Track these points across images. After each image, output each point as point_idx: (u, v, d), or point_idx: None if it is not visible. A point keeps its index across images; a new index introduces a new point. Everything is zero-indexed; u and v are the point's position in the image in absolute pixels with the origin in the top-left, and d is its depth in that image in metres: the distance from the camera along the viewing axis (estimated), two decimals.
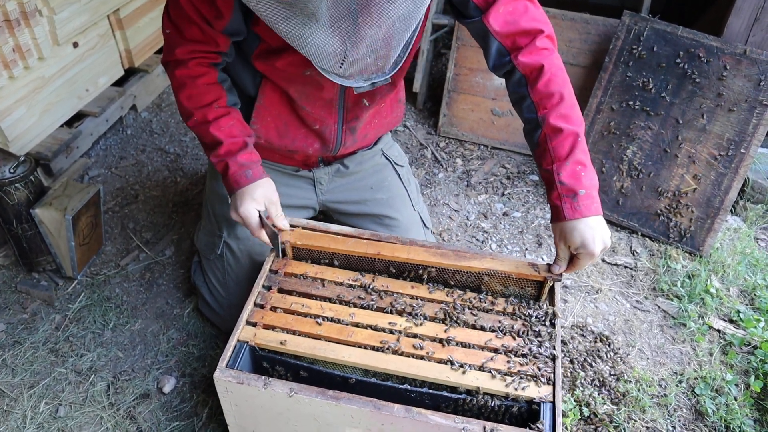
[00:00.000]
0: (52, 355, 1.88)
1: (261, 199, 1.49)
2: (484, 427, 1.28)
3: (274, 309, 1.50)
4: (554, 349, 1.44)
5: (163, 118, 2.91)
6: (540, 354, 1.42)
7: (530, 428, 1.28)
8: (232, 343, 1.41)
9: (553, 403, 1.34)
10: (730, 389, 1.85)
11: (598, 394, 1.81)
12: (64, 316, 2.00)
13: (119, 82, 2.79)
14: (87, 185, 2.11)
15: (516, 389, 1.35)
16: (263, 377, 1.33)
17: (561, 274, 1.50)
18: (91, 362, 1.87)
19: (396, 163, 2.00)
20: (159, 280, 2.14)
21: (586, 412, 1.75)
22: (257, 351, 1.42)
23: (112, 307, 2.04)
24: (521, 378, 1.38)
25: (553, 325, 1.49)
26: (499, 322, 1.49)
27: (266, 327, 1.46)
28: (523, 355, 1.42)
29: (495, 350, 1.43)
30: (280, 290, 1.55)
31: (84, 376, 1.84)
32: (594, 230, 1.37)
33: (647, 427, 1.77)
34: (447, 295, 1.55)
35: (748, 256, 2.33)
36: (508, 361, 1.40)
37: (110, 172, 2.59)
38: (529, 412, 1.35)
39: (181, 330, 1.99)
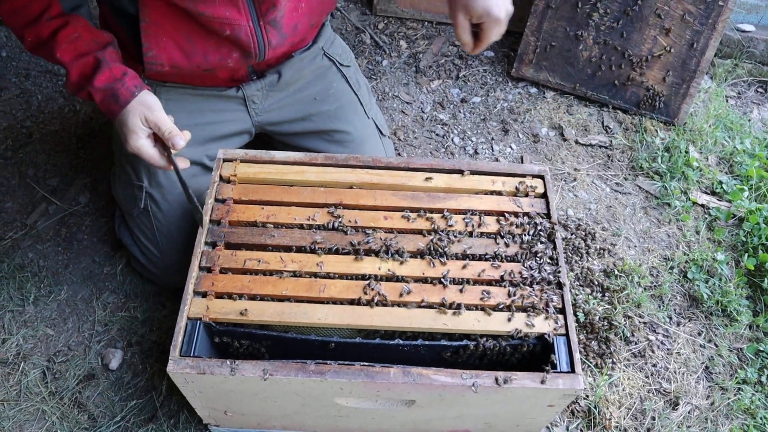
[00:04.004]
0: None
1: (138, 128, 1.22)
2: (497, 379, 1.11)
3: (224, 271, 1.23)
4: (558, 272, 1.25)
5: None
6: (543, 280, 1.24)
7: (546, 371, 1.12)
8: (181, 323, 1.15)
9: (567, 335, 1.18)
10: (722, 269, 1.76)
11: (591, 296, 1.68)
12: None
13: None
14: None
15: (522, 326, 1.18)
16: (228, 362, 1.10)
17: (475, 52, 1.29)
18: (17, 347, 1.58)
19: (341, 64, 1.67)
20: (79, 235, 1.81)
21: (581, 317, 1.63)
22: (214, 327, 1.17)
23: (29, 276, 1.71)
24: (527, 312, 1.20)
25: (553, 242, 1.30)
26: (493, 247, 1.29)
27: (219, 295, 1.20)
28: (525, 284, 1.23)
29: (492, 282, 1.24)
30: (228, 245, 1.27)
31: (11, 365, 1.56)
32: None
33: (645, 323, 1.67)
34: (427, 222, 1.32)
35: (723, 119, 2.18)
36: (509, 294, 1.22)
37: None
38: (542, 348, 1.19)
39: (117, 291, 1.70)
